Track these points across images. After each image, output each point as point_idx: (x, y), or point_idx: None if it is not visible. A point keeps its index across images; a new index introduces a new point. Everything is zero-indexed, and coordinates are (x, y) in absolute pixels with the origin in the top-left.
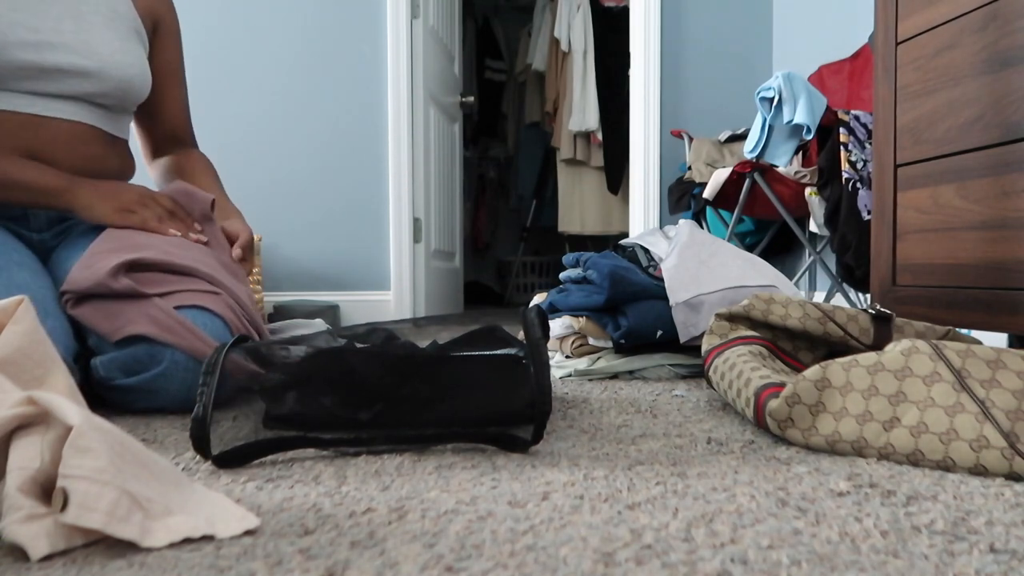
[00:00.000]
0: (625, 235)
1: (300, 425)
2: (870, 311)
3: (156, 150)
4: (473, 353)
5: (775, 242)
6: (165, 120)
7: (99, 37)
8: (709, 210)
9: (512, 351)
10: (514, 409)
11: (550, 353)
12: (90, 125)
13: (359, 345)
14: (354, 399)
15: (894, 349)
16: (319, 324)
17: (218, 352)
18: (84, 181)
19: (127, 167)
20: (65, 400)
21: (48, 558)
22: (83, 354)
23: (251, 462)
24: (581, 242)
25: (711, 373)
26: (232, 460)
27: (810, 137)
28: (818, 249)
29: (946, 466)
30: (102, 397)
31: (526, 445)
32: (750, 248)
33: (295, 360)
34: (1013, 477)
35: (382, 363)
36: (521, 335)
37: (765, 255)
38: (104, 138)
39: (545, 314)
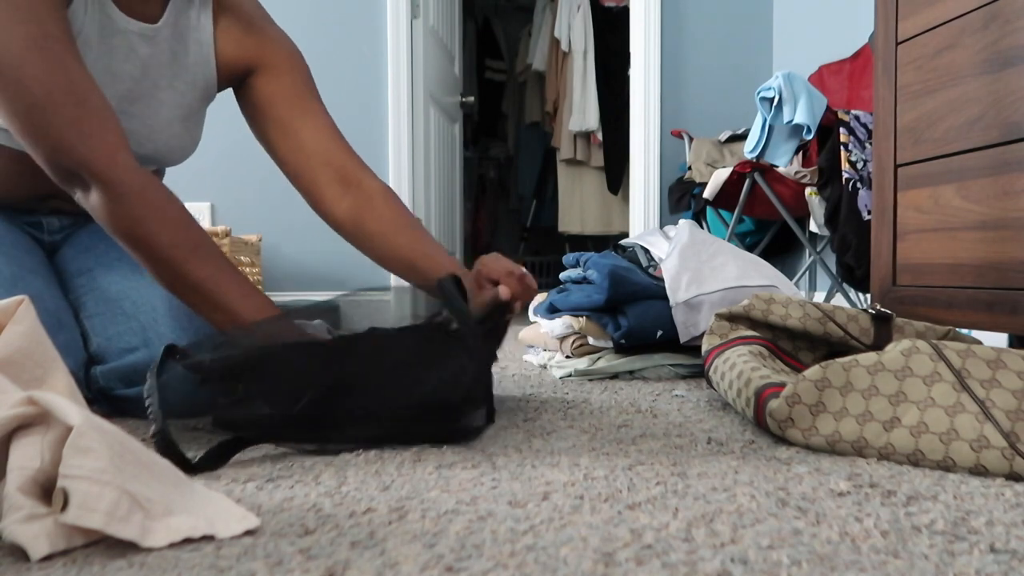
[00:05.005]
0: (625, 235)
1: (244, 428)
2: (870, 311)
3: (325, 193)
4: (402, 327)
5: (775, 242)
6: (309, 154)
7: (163, 119)
8: (709, 210)
9: (440, 320)
10: (459, 394)
11: (551, 353)
12: None
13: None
14: (285, 395)
15: (894, 349)
16: (319, 325)
17: (152, 375)
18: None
19: None
20: (65, 400)
21: (48, 558)
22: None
23: (225, 464)
24: (581, 242)
25: (711, 373)
26: (207, 464)
27: (810, 137)
28: (818, 249)
29: (946, 466)
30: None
31: (478, 431)
32: (750, 248)
33: (232, 361)
34: (1013, 477)
35: (309, 352)
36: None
37: (765, 255)
38: None
39: (460, 281)
